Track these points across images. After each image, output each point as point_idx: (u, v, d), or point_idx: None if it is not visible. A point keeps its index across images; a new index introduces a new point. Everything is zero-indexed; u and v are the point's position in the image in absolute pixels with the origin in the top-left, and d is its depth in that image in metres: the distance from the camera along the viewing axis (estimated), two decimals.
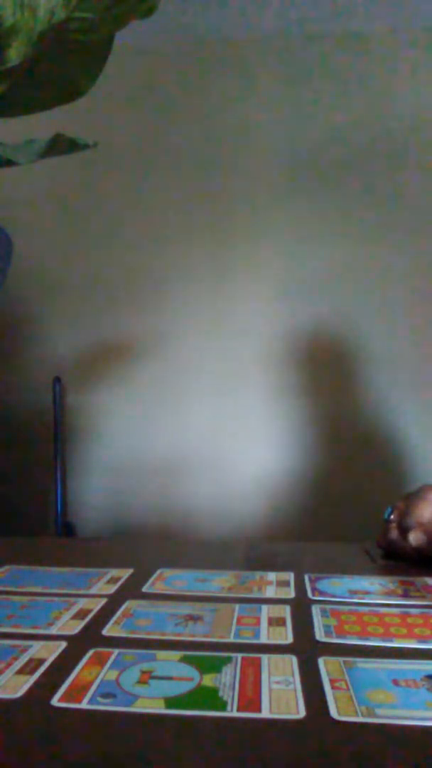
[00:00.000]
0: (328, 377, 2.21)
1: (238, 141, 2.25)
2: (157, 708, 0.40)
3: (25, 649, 0.50)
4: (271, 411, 2.22)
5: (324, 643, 0.51)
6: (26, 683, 0.44)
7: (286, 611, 0.58)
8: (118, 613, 0.58)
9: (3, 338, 2.29)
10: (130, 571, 0.72)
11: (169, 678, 0.45)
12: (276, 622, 0.56)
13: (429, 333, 2.18)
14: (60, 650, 0.50)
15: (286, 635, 0.53)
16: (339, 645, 0.51)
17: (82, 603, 0.61)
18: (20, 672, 0.46)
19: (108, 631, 0.54)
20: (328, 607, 0.60)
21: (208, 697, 0.42)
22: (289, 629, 0.54)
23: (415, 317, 2.18)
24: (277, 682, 0.44)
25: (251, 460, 2.21)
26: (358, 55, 2.23)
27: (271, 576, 0.70)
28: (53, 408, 2.19)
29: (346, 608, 0.59)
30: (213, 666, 0.46)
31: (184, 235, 2.26)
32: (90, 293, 2.28)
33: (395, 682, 0.44)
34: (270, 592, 0.65)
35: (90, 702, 0.41)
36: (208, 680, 0.44)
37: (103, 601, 0.62)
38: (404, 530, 0.75)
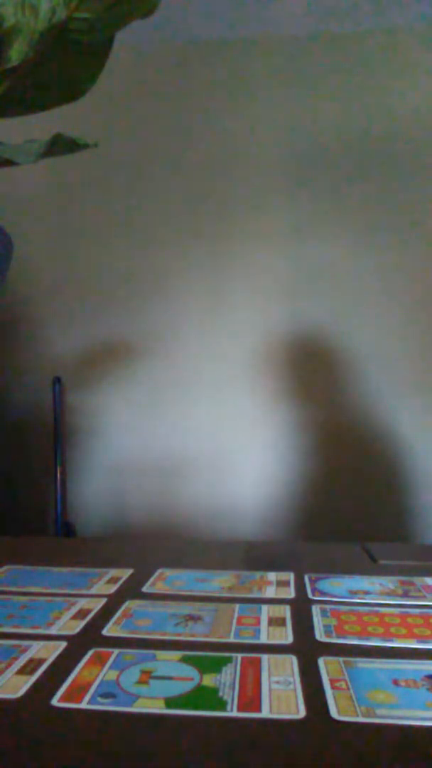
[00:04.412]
0: (328, 378, 2.22)
1: (238, 141, 2.25)
2: (157, 708, 0.40)
3: (25, 649, 0.50)
4: (271, 411, 2.22)
5: (324, 643, 0.51)
6: (26, 683, 0.44)
7: (286, 611, 0.58)
8: (118, 613, 0.58)
9: (3, 338, 2.29)
10: (130, 571, 0.72)
11: (169, 678, 0.45)
12: (276, 622, 0.56)
13: (429, 333, 2.18)
14: (60, 650, 0.50)
15: (286, 635, 0.53)
16: (339, 645, 0.51)
17: (82, 603, 0.61)
18: (20, 672, 0.46)
19: (108, 631, 0.54)
20: (328, 607, 0.60)
21: (208, 697, 0.42)
22: (289, 629, 0.54)
23: (414, 318, 2.18)
24: (277, 682, 0.44)
25: (251, 460, 2.22)
26: (358, 55, 2.23)
27: (271, 576, 0.70)
28: (53, 408, 2.19)
29: (346, 608, 0.59)
30: (213, 666, 0.46)
31: (183, 236, 2.26)
32: (90, 293, 2.28)
33: (395, 682, 0.44)
34: (270, 592, 0.65)
35: (90, 702, 0.41)
36: (208, 680, 0.44)
37: (103, 601, 0.62)
38: None
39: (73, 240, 2.30)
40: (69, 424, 2.26)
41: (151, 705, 0.41)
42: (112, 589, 0.66)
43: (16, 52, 0.63)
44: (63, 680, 0.44)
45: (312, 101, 2.24)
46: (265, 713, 0.40)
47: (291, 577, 0.70)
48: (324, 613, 0.58)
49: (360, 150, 2.21)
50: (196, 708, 0.40)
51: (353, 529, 2.13)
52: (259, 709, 0.40)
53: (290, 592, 0.65)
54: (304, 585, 0.67)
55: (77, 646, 0.50)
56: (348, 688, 0.43)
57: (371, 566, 0.76)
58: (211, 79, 2.27)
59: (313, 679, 0.44)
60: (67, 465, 2.24)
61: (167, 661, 0.47)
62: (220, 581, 0.68)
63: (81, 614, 0.58)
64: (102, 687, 0.43)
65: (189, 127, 2.26)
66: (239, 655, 0.48)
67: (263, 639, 0.52)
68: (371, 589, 0.65)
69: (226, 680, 0.44)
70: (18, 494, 2.26)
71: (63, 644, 0.51)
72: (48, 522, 2.23)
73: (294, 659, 0.48)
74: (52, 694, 0.42)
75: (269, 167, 2.24)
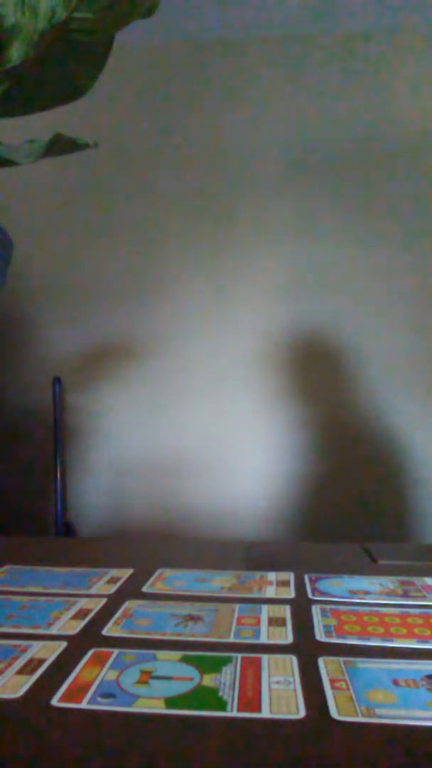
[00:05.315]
0: (328, 378, 2.22)
1: (238, 141, 2.25)
2: (157, 708, 0.40)
3: (25, 649, 0.50)
4: (271, 411, 2.22)
5: (324, 643, 0.51)
6: (26, 683, 0.44)
7: (286, 611, 0.58)
8: (118, 613, 0.58)
9: (3, 338, 2.29)
10: (130, 571, 0.72)
11: (169, 678, 0.45)
12: (276, 622, 0.56)
13: (429, 333, 2.18)
14: (60, 650, 0.50)
15: (286, 635, 0.53)
16: (339, 645, 0.51)
17: (82, 603, 0.61)
18: (20, 672, 0.46)
19: (108, 631, 0.54)
20: (328, 607, 0.60)
21: (208, 697, 0.42)
22: (289, 629, 0.54)
23: (415, 317, 2.18)
24: (277, 682, 0.44)
25: (251, 460, 2.21)
26: (358, 55, 2.23)
27: (271, 576, 0.70)
28: (53, 408, 2.19)
29: (346, 608, 0.59)
30: (213, 666, 0.46)
31: (184, 235, 2.26)
32: (90, 293, 2.28)
33: (395, 682, 0.44)
34: (270, 592, 0.65)
35: (90, 702, 0.41)
36: (208, 680, 0.44)
37: (103, 601, 0.62)
38: None
39: (73, 240, 2.30)
40: (69, 424, 2.26)
41: (151, 705, 0.41)
42: (112, 589, 0.66)
43: (16, 52, 0.63)
44: (63, 680, 0.44)
45: (312, 101, 2.24)
46: (265, 713, 0.40)
47: (291, 577, 0.70)
48: (324, 613, 0.58)
49: (362, 149, 2.21)
50: (196, 708, 0.40)
51: (353, 529, 2.13)
52: (259, 709, 0.40)
53: (290, 592, 0.65)
54: (304, 585, 0.67)
55: (77, 646, 0.50)
56: (348, 688, 0.43)
57: (371, 566, 0.76)
58: (211, 79, 2.27)
59: (313, 679, 0.44)
60: (67, 465, 2.24)
61: (167, 661, 0.47)
62: (220, 581, 0.68)
63: (81, 614, 0.58)
64: (102, 687, 0.43)
65: (189, 126, 2.26)
66: (239, 655, 0.48)
67: (263, 639, 0.52)
68: (371, 589, 0.65)
69: (226, 680, 0.44)
70: (18, 494, 2.26)
71: (63, 644, 0.51)
72: (48, 522, 2.23)
73: (294, 659, 0.48)
74: (52, 694, 0.42)
75: (270, 167, 2.24)
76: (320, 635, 0.53)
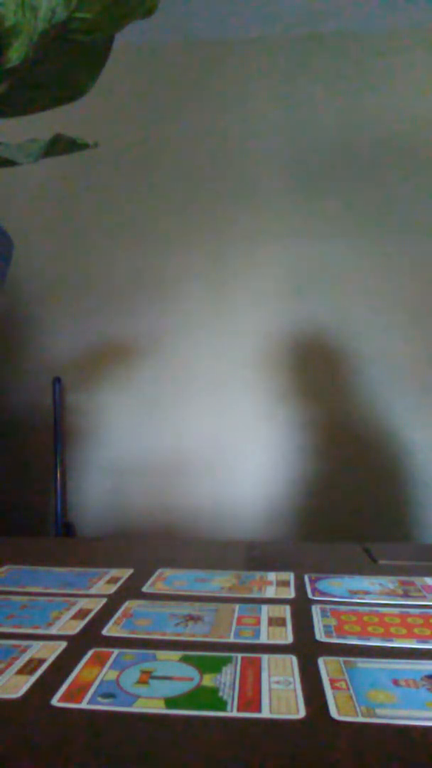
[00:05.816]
0: (328, 378, 2.22)
1: (238, 141, 2.25)
2: (157, 708, 0.40)
3: (25, 649, 0.50)
4: (271, 411, 2.22)
5: (324, 643, 0.51)
6: (26, 683, 0.44)
7: (286, 611, 0.58)
8: (118, 613, 0.58)
9: (3, 338, 2.29)
10: (130, 571, 0.72)
11: (169, 678, 0.45)
12: (276, 622, 0.56)
13: (430, 333, 2.18)
14: (60, 650, 0.50)
15: (286, 635, 0.53)
16: (339, 645, 0.51)
17: (82, 603, 0.61)
18: (20, 672, 0.46)
19: (108, 631, 0.54)
20: (328, 607, 0.60)
21: (208, 697, 0.42)
22: (289, 629, 0.54)
23: (415, 318, 2.18)
24: (277, 682, 0.44)
25: (252, 460, 2.21)
26: (358, 55, 2.23)
27: (271, 576, 0.70)
28: (53, 408, 2.19)
29: (346, 608, 0.59)
30: (213, 666, 0.46)
31: (184, 235, 2.26)
32: (90, 293, 2.28)
33: (395, 682, 0.44)
34: (270, 592, 0.65)
35: (90, 702, 0.41)
36: (208, 680, 0.44)
37: (103, 601, 0.62)
38: None
39: (73, 240, 2.29)
40: (69, 424, 2.26)
41: (151, 705, 0.41)
42: (112, 589, 0.66)
43: (16, 52, 0.63)
44: (63, 680, 0.44)
45: (312, 101, 2.24)
46: (265, 713, 0.40)
47: (291, 577, 0.70)
48: (324, 613, 0.58)
49: (361, 149, 2.21)
50: (196, 708, 0.40)
51: (353, 529, 2.13)
52: (259, 709, 0.40)
53: (290, 592, 0.65)
54: (304, 585, 0.67)
55: (77, 646, 0.50)
56: (348, 688, 0.43)
57: (371, 566, 0.76)
58: (211, 79, 2.27)
59: (313, 679, 0.44)
60: (67, 465, 2.24)
61: (167, 661, 0.47)
62: (220, 581, 0.68)
63: (81, 614, 0.58)
64: (102, 687, 0.43)
65: (189, 127, 2.26)
66: (239, 655, 0.48)
67: (263, 639, 0.52)
68: (371, 589, 0.65)
69: (226, 680, 0.44)
70: (18, 494, 2.26)
71: (63, 644, 0.51)
72: (48, 522, 2.23)
73: (294, 659, 0.48)
74: (52, 694, 0.42)
75: (270, 167, 2.24)
76: (320, 635, 0.53)
